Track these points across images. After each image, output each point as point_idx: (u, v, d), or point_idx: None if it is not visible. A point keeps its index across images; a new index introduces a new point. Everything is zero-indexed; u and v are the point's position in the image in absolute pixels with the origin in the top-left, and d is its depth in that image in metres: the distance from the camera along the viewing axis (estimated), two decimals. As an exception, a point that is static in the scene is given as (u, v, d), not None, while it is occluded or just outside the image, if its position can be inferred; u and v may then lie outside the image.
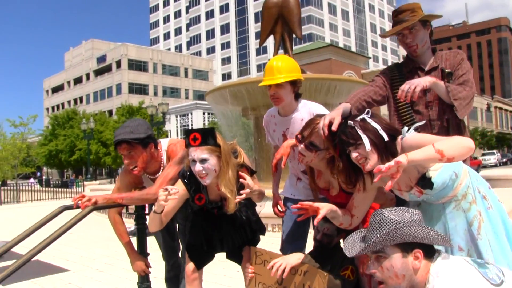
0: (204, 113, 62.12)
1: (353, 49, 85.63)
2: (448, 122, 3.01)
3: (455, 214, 2.50)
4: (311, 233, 3.20)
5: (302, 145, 2.82)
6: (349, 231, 2.82)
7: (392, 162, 2.03)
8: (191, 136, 2.84)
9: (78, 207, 3.05)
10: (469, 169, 2.59)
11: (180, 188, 2.94)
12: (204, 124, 57.87)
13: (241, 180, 2.90)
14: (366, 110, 2.47)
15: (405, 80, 2.94)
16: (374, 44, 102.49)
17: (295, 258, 2.74)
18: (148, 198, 3.19)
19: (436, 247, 2.16)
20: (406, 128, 2.45)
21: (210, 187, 3.01)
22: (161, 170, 3.41)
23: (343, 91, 10.10)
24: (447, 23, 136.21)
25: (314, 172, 3.02)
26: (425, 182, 2.39)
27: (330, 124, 2.63)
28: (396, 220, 2.07)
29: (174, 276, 3.88)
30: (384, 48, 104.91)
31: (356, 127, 2.35)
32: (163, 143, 3.46)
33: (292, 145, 3.10)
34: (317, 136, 2.72)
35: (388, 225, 2.07)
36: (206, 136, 2.84)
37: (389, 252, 2.05)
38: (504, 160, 56.28)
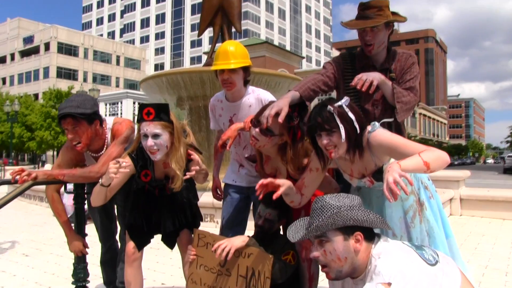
0: (134, 103, 60.84)
1: (288, 48, 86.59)
2: (390, 123, 3.03)
3: (393, 202, 2.60)
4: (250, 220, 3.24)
5: (257, 129, 2.84)
6: (289, 217, 2.88)
7: (397, 178, 2.02)
8: (144, 111, 2.81)
9: (16, 181, 2.94)
10: None
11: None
12: (134, 114, 56.74)
13: (191, 156, 2.90)
14: (345, 98, 2.47)
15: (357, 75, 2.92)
16: (309, 44, 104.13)
17: (240, 240, 2.76)
18: (90, 176, 3.13)
19: (376, 231, 2.25)
20: (376, 123, 2.50)
21: (157, 165, 3.00)
22: (104, 148, 3.35)
23: (282, 87, 10.17)
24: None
25: (262, 157, 3.06)
26: (380, 175, 2.49)
27: (277, 114, 2.67)
28: (337, 205, 2.13)
29: (110, 259, 3.80)
30: (317, 49, 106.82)
31: (334, 114, 2.38)
32: (109, 121, 3.39)
33: (239, 129, 3.11)
34: (272, 122, 2.73)
35: (330, 210, 2.13)
36: (160, 111, 2.83)
37: (331, 236, 2.10)
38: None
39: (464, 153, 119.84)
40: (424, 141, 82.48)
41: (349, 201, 2.17)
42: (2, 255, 5.93)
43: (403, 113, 2.95)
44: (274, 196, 2.53)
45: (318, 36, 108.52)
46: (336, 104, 2.42)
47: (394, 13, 3.07)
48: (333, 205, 2.14)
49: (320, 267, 2.24)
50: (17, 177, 2.95)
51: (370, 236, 2.16)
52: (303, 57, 74.93)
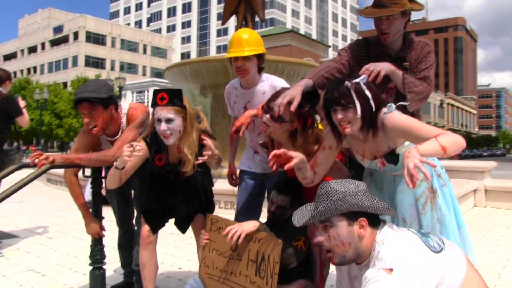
0: (161, 91, 61.42)
1: (314, 36, 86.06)
2: (405, 107, 3.01)
3: (404, 188, 2.61)
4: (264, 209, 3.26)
5: (267, 115, 2.86)
6: (301, 203, 2.90)
7: (418, 163, 2.00)
8: (158, 96, 2.86)
9: (35, 165, 3.02)
10: None
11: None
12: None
13: (204, 141, 2.94)
14: (363, 76, 2.47)
15: (372, 62, 2.86)
16: (335, 33, 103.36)
17: (251, 225, 2.79)
18: (106, 159, 3.19)
19: (382, 218, 2.25)
20: (393, 105, 2.47)
21: (171, 149, 3.05)
22: (120, 132, 3.41)
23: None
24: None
25: (274, 144, 3.08)
26: (392, 157, 2.49)
27: (289, 103, 2.68)
28: (342, 191, 2.13)
29: (126, 242, 3.89)
30: (344, 38, 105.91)
31: (351, 90, 2.38)
32: (124, 106, 3.46)
33: (253, 115, 3.14)
34: (284, 108, 2.73)
35: (334, 195, 2.13)
36: (173, 97, 2.87)
37: (335, 221, 2.11)
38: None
39: (494, 144, 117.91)
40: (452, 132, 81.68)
41: (355, 187, 2.17)
42: (28, 237, 6.09)
43: (415, 103, 2.90)
44: (286, 167, 2.50)
45: (345, 25, 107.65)
46: (354, 81, 2.42)
47: (411, 1, 3.00)
48: (338, 190, 2.14)
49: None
50: (36, 160, 3.03)
51: (375, 222, 2.16)
52: (329, 46, 74.30)
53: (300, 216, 2.29)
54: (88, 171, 3.52)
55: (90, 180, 3.53)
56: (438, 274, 1.97)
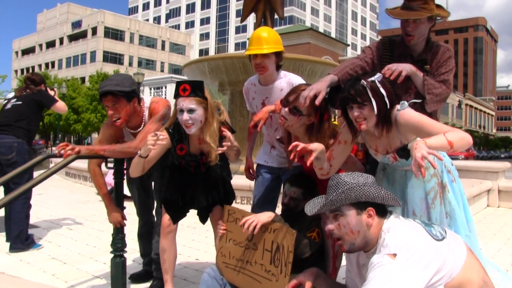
0: (178, 87, 61.70)
1: (333, 35, 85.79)
2: (422, 111, 3.14)
3: (415, 183, 2.75)
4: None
5: (286, 109, 2.99)
6: (314, 196, 3.01)
7: (425, 154, 2.11)
8: (181, 87, 3.00)
9: (61, 155, 3.16)
10: None
11: None
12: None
13: (223, 133, 3.07)
14: (378, 74, 2.59)
15: (394, 62, 3.00)
16: (354, 32, 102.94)
17: (266, 216, 2.89)
18: (129, 151, 3.32)
19: (391, 209, 2.38)
20: (405, 102, 2.60)
21: (192, 140, 3.18)
22: (142, 125, 3.55)
23: (322, 75, 10.17)
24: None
25: (291, 138, 3.19)
26: (404, 152, 2.61)
27: (315, 96, 2.80)
28: (351, 182, 2.28)
29: (146, 232, 4.03)
30: (363, 36, 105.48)
31: (367, 88, 2.50)
32: (146, 100, 3.60)
33: (271, 111, 3.26)
34: (309, 100, 2.84)
35: (344, 186, 2.27)
36: (195, 88, 3.01)
37: (344, 210, 2.25)
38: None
39: None
40: (469, 133, 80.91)
41: (363, 179, 2.30)
42: (48, 228, 6.27)
43: (433, 104, 3.01)
44: (308, 162, 2.62)
45: (364, 24, 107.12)
46: (369, 79, 2.53)
47: (438, 6, 3.10)
48: (347, 181, 2.28)
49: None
50: (62, 151, 3.16)
51: (382, 212, 2.29)
52: (348, 45, 74.15)
53: (312, 206, 2.42)
54: (110, 163, 3.66)
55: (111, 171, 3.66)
56: (439, 260, 2.10)
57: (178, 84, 3.03)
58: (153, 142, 2.92)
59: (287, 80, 3.44)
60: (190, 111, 3.00)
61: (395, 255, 2.05)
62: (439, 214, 2.72)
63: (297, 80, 3.44)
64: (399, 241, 2.11)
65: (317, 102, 2.78)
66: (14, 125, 5.04)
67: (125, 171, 3.61)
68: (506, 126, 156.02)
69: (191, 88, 3.01)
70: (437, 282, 2.10)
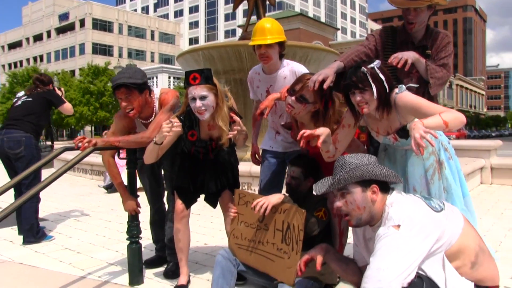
0: (169, 77, 61.58)
1: (322, 19, 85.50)
2: (423, 94, 3.27)
3: (415, 161, 2.99)
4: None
5: (293, 97, 3.18)
6: (316, 176, 3.19)
7: (423, 133, 2.32)
8: (191, 76, 3.18)
9: (78, 148, 3.32)
10: None
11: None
12: (169, 88, 57.10)
13: (233, 118, 3.28)
14: (377, 61, 2.79)
15: (397, 49, 3.23)
16: (343, 16, 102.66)
17: (276, 197, 3.08)
18: (143, 141, 3.48)
19: (393, 186, 2.59)
20: (403, 85, 2.82)
21: (202, 126, 3.36)
22: (153, 116, 3.73)
23: (315, 60, 10.30)
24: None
25: (298, 124, 3.37)
26: (403, 132, 2.82)
27: (323, 81, 2.99)
28: (356, 162, 2.49)
29: (158, 220, 4.21)
30: (353, 20, 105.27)
31: (367, 74, 2.70)
32: (156, 91, 3.78)
33: (276, 98, 3.43)
34: (307, 91, 3.10)
35: (349, 166, 2.48)
36: (205, 76, 3.19)
37: (351, 188, 2.46)
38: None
39: (502, 124, 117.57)
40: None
41: (366, 159, 2.52)
42: (57, 220, 6.43)
43: (436, 87, 3.23)
44: (318, 144, 2.79)
45: (353, 7, 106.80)
46: (369, 66, 2.74)
47: None
48: (352, 162, 2.49)
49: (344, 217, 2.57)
50: (79, 144, 3.31)
51: (385, 188, 2.50)
52: (338, 29, 74.16)
53: (321, 186, 2.62)
54: (122, 154, 3.81)
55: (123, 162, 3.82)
56: (439, 229, 2.31)
57: (188, 73, 3.19)
58: (169, 129, 3.10)
59: (290, 68, 3.62)
60: (202, 98, 3.17)
61: (399, 226, 2.26)
62: (438, 189, 2.96)
63: (300, 68, 3.61)
64: (402, 213, 2.32)
65: (325, 86, 2.98)
66: (23, 119, 5.19)
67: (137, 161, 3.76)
68: (497, 105, 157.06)
69: (201, 76, 3.18)
70: (438, 249, 2.31)
